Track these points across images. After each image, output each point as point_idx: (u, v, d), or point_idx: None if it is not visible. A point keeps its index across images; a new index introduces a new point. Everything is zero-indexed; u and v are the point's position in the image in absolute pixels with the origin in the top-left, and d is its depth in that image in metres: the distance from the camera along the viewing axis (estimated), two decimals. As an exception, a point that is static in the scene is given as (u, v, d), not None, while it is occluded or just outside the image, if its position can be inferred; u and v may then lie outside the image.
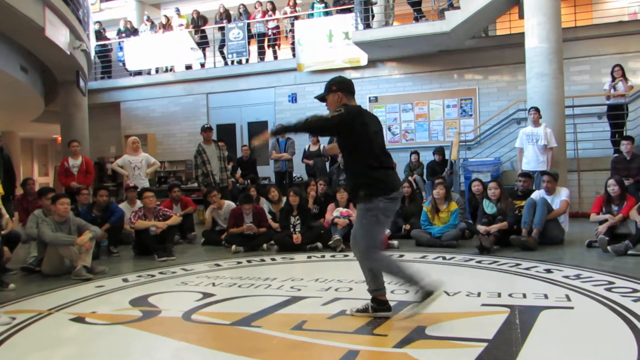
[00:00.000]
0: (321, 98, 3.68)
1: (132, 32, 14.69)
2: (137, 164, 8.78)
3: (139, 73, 14.33)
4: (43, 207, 6.09)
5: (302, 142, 10.97)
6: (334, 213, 7.09)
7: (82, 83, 11.44)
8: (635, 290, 3.98)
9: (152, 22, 14.53)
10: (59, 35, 9.12)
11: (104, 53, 14.84)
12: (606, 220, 5.98)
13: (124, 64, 14.33)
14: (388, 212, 3.43)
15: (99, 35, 14.76)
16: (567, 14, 10.73)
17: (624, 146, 7.90)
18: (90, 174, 8.85)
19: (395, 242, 6.71)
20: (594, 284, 4.25)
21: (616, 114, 9.51)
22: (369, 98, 12.05)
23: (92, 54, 12.92)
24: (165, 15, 14.54)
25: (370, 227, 3.40)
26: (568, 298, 3.84)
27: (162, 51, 13.60)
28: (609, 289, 4.04)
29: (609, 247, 5.57)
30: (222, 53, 13.55)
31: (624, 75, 9.32)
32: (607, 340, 2.98)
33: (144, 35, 14.33)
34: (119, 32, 14.86)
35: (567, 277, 4.55)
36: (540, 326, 3.21)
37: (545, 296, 3.92)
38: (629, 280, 4.34)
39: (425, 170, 10.22)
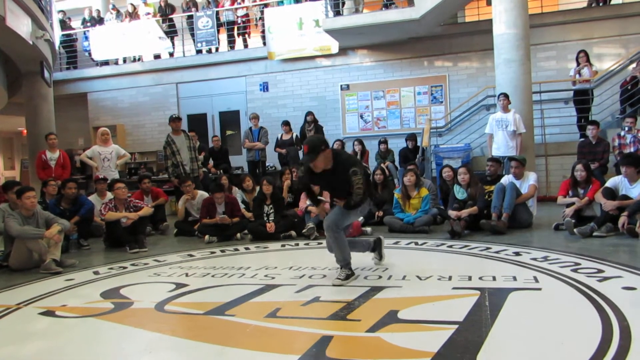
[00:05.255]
0: (312, 160, 4.04)
1: (98, 21, 14.36)
2: (107, 155, 8.65)
3: (106, 63, 14.05)
4: (9, 201, 5.94)
5: (275, 131, 10.93)
6: (307, 201, 7.09)
7: (46, 74, 11.16)
8: (600, 271, 4.08)
9: (118, 11, 14.20)
10: (21, 24, 8.86)
11: (69, 43, 14.48)
12: (573, 204, 6.13)
13: (89, 54, 14.02)
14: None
15: (64, 24, 14.38)
16: (534, 0, 10.87)
17: (590, 131, 8.09)
18: (66, 168, 8.79)
19: (368, 229, 6.75)
20: (560, 265, 4.36)
21: (582, 99, 9.71)
22: (341, 86, 12.07)
23: (57, 43, 12.59)
24: (132, 4, 14.22)
25: (348, 216, 4.30)
26: (536, 280, 3.93)
27: (130, 40, 13.33)
28: (575, 270, 4.14)
29: (575, 230, 5.70)
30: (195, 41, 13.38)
31: (588, 60, 9.51)
32: (573, 319, 3.06)
33: (109, 24, 14.01)
34: (84, 22, 14.51)
35: (535, 259, 4.65)
36: (509, 307, 3.28)
37: (514, 278, 4.00)
38: (594, 261, 4.46)
39: (397, 157, 10.30)
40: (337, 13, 10.81)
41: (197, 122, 12.96)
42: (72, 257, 5.86)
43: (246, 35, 13.22)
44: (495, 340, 2.73)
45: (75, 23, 15.15)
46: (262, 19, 12.55)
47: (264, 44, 12.52)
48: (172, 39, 13.51)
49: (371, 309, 3.41)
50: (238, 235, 6.94)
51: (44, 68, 10.91)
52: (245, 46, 13.16)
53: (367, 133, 11.60)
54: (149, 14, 13.73)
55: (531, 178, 6.75)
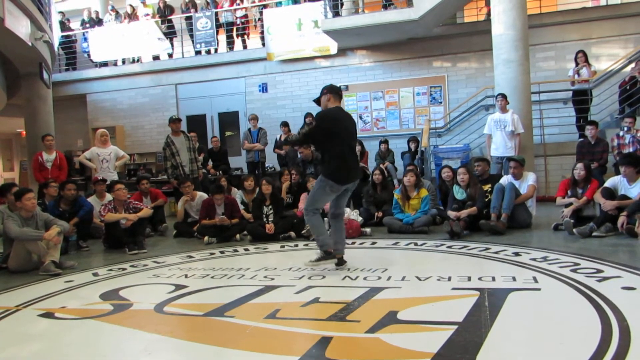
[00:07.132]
0: (317, 101, 4.88)
1: (97, 22, 14.36)
2: (106, 156, 8.65)
3: (105, 64, 14.04)
4: (8, 202, 5.94)
5: (274, 132, 10.94)
6: (307, 201, 7.09)
7: (45, 75, 11.13)
8: (599, 271, 4.09)
9: (117, 12, 14.21)
10: (20, 26, 8.84)
11: (68, 44, 14.47)
12: (572, 204, 6.13)
13: (89, 55, 14.02)
14: (332, 189, 4.61)
15: (63, 25, 14.38)
16: (532, 0, 10.89)
17: (589, 131, 8.09)
18: (63, 169, 8.76)
19: (367, 230, 6.75)
20: (560, 265, 4.36)
21: (581, 99, 9.71)
22: (340, 87, 12.03)
23: (56, 45, 12.58)
24: (131, 5, 14.22)
25: (315, 192, 4.69)
26: (535, 280, 3.93)
27: (129, 42, 13.33)
28: (574, 270, 4.14)
29: (574, 230, 5.71)
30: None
31: (587, 61, 9.52)
32: (572, 319, 3.06)
33: (108, 25, 14.01)
34: (83, 23, 14.51)
35: (534, 259, 4.66)
36: (508, 308, 3.28)
37: (514, 279, 4.00)
38: (593, 261, 4.47)
39: (397, 158, 10.31)
40: (336, 14, 10.81)
41: (196, 123, 12.96)
42: (72, 259, 5.85)
43: (245, 36, 13.22)
44: (495, 340, 2.73)
45: (75, 24, 15.15)
46: (261, 19, 12.55)
47: (263, 44, 12.50)
48: (171, 40, 13.49)
49: (370, 310, 3.40)
50: (237, 236, 6.94)
51: (42, 69, 10.89)
52: (244, 47, 13.15)
53: (366, 134, 11.59)
54: (148, 15, 13.73)
55: (530, 178, 6.76)
